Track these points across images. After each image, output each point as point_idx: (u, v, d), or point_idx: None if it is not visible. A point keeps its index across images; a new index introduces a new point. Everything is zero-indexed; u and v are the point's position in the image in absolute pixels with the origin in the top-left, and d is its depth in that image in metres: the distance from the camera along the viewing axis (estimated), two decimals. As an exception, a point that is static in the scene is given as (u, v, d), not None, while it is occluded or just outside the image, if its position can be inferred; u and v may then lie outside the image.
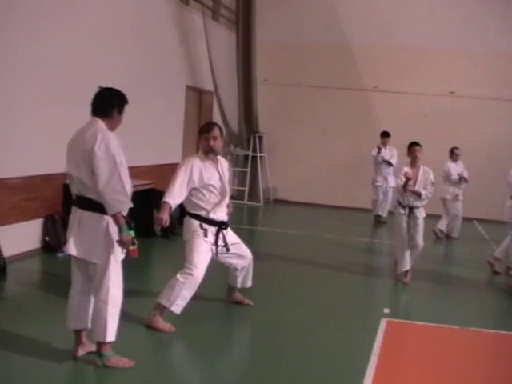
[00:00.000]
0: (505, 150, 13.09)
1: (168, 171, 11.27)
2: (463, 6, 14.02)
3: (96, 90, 4.72)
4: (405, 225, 7.76)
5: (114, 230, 4.43)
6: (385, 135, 12.67)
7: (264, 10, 14.50)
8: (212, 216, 5.64)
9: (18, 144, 7.21)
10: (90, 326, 4.63)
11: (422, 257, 8.29)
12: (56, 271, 7.28)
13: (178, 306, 5.43)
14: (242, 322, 6.05)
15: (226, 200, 5.79)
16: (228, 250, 5.74)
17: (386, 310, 6.46)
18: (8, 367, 4.48)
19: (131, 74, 9.69)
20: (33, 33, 7.24)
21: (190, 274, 5.45)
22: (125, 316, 5.65)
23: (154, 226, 9.32)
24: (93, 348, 4.64)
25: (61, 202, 8.10)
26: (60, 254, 7.70)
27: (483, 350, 5.87)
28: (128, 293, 6.46)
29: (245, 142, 14.53)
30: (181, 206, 8.20)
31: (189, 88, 12.24)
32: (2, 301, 6.17)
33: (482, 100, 14.06)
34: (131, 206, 4.46)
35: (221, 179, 5.71)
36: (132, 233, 4.48)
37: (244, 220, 12.54)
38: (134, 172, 9.76)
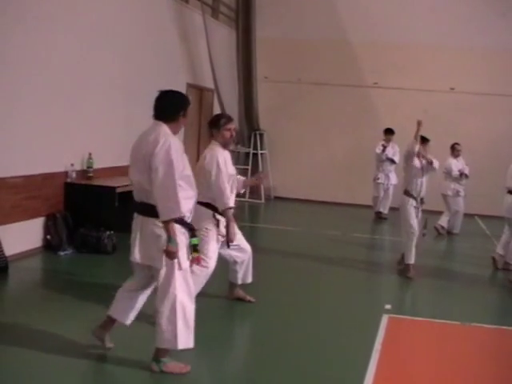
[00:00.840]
0: (506, 146, 13.08)
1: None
2: (464, 3, 13.99)
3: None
4: (416, 216, 7.83)
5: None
6: (389, 132, 12.65)
7: (264, 7, 14.49)
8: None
9: (19, 143, 7.21)
10: (128, 323, 4.71)
11: (423, 253, 8.30)
12: (58, 270, 7.29)
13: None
14: (244, 319, 6.06)
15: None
16: (228, 245, 5.77)
17: (388, 306, 6.46)
18: (12, 364, 4.50)
19: (131, 73, 9.70)
20: (33, 31, 7.24)
21: (206, 267, 5.47)
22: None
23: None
24: (110, 345, 4.73)
25: (62, 201, 8.11)
26: (62, 253, 7.72)
27: (485, 345, 5.87)
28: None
29: (245, 140, 14.53)
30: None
31: (189, 86, 12.23)
32: (3, 299, 6.19)
33: (482, 96, 14.04)
34: (181, 214, 4.31)
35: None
36: (195, 240, 4.44)
37: (245, 217, 12.54)
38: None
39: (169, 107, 4.52)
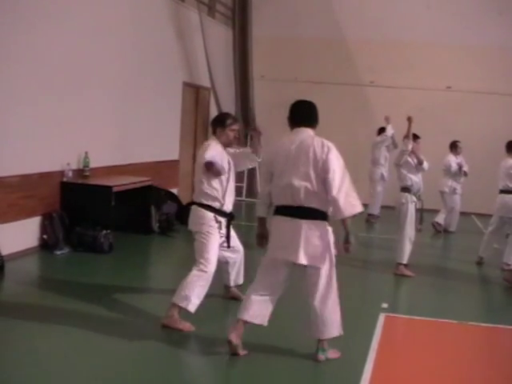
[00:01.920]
0: (502, 145, 12.90)
1: (165, 168, 11.31)
2: (460, 1, 14.01)
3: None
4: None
5: (332, 236, 4.72)
6: (383, 131, 12.65)
7: (260, 5, 14.47)
8: (225, 208, 5.58)
9: (15, 142, 7.20)
10: (266, 323, 4.87)
11: (420, 251, 8.31)
12: (54, 269, 7.29)
13: (193, 305, 5.33)
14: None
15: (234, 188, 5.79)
16: (229, 246, 5.76)
17: (385, 305, 6.45)
18: (9, 364, 4.49)
19: (127, 71, 9.68)
20: (29, 29, 7.21)
21: (205, 272, 5.38)
22: (128, 313, 5.68)
23: (151, 222, 9.34)
24: (244, 352, 4.83)
25: (58, 200, 8.09)
26: (58, 252, 7.71)
27: (482, 344, 5.89)
28: (128, 290, 6.51)
29: (242, 139, 14.51)
30: (178, 202, 8.29)
31: (185, 84, 12.22)
32: (0, 299, 6.18)
33: (478, 94, 14.06)
34: (362, 209, 4.83)
35: (230, 168, 5.70)
36: None
37: (242, 216, 12.53)
38: (131, 169, 9.82)
39: (313, 115, 4.97)
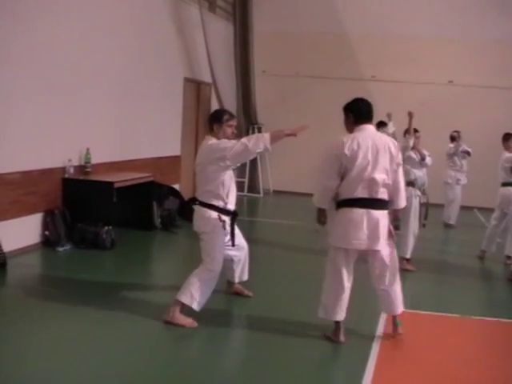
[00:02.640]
0: (503, 139, 13.08)
1: (167, 164, 11.31)
2: (461, -6, 13.99)
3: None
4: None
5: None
6: (382, 125, 12.66)
7: (261, 0, 14.45)
8: (228, 206, 5.53)
9: (16, 139, 7.20)
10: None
11: (422, 245, 8.29)
12: (56, 266, 7.29)
13: (199, 304, 5.34)
14: (241, 314, 6.02)
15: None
16: (234, 244, 5.70)
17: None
18: (10, 362, 4.49)
19: (128, 67, 9.67)
20: (29, 25, 7.21)
21: (211, 270, 5.37)
22: (130, 310, 5.68)
23: (153, 218, 9.34)
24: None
25: (60, 196, 8.09)
26: (60, 249, 7.71)
27: (484, 338, 5.87)
28: (130, 286, 6.51)
29: (243, 134, 14.49)
30: (180, 198, 8.26)
31: (187, 80, 12.21)
32: (2, 296, 6.18)
33: (480, 89, 14.04)
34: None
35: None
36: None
37: (244, 211, 12.53)
38: (133, 165, 9.82)
39: (372, 112, 5.20)
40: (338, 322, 5.19)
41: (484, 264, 8.75)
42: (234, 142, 5.36)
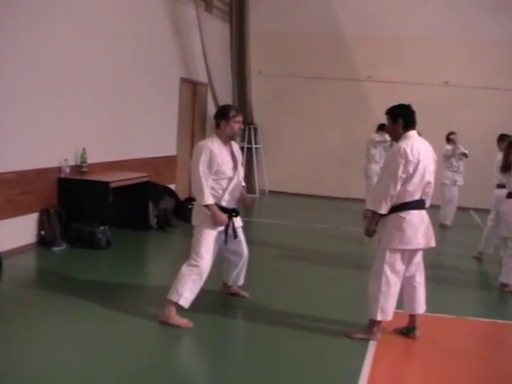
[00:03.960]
0: (500, 139, 13.11)
1: (163, 164, 11.30)
2: (457, -5, 14.02)
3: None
4: None
5: None
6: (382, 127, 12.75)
7: (257, 0, 14.45)
8: (223, 204, 5.53)
9: (12, 138, 7.18)
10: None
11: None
12: (52, 265, 7.27)
13: (186, 300, 5.32)
14: (236, 315, 6.01)
15: (239, 185, 5.72)
16: (235, 236, 5.70)
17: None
18: (5, 362, 4.48)
19: (124, 67, 9.66)
20: (25, 26, 7.19)
21: (196, 266, 5.36)
22: (125, 310, 5.67)
23: (149, 218, 9.33)
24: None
25: (55, 196, 8.07)
26: (55, 248, 7.70)
27: (480, 338, 5.88)
28: (126, 286, 6.50)
29: (240, 134, 14.49)
30: (175, 197, 8.28)
31: (183, 80, 12.20)
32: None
33: (476, 89, 14.07)
34: None
35: (235, 164, 5.64)
36: None
37: (240, 212, 12.51)
38: (129, 165, 9.80)
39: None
40: (380, 322, 5.32)
41: (480, 265, 8.76)
42: (199, 168, 5.36)
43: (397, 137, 5.33)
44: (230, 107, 5.85)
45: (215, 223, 5.44)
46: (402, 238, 5.16)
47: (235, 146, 5.80)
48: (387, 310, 5.27)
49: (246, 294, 6.28)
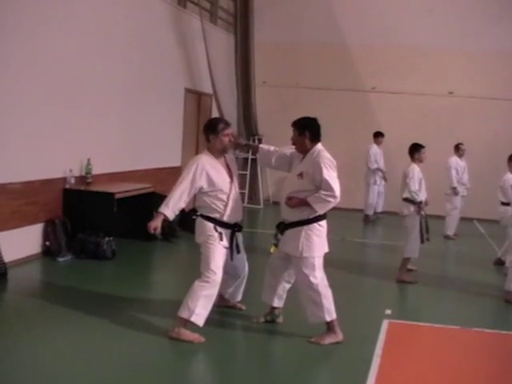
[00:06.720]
0: (504, 150, 12.99)
1: (167, 175, 11.30)
2: (462, 6, 14.02)
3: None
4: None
5: None
6: (380, 135, 13.18)
7: (262, 11, 14.50)
8: (225, 219, 5.43)
9: (17, 149, 7.21)
10: None
11: (421, 257, 8.28)
12: (57, 276, 7.28)
13: (198, 317, 5.17)
14: (236, 326, 5.92)
15: (239, 197, 5.66)
16: (239, 252, 5.61)
17: (388, 311, 6.44)
18: (11, 372, 4.48)
19: (129, 78, 9.70)
20: (30, 36, 7.24)
21: (208, 282, 5.22)
22: (130, 321, 5.66)
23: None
24: None
25: (61, 207, 8.10)
26: (60, 259, 7.70)
27: (484, 349, 5.85)
28: (131, 297, 6.50)
29: (241, 142, 14.48)
30: (182, 210, 8.15)
31: (187, 91, 12.23)
32: (2, 306, 6.18)
33: (480, 100, 14.06)
34: None
35: (231, 178, 5.54)
36: None
37: (244, 222, 12.51)
38: (134, 176, 9.82)
39: None
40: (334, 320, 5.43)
41: (485, 275, 8.71)
42: (183, 179, 5.46)
43: (303, 149, 5.31)
44: (218, 120, 5.78)
45: (149, 225, 5.33)
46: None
47: (229, 158, 5.70)
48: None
49: (243, 307, 6.17)
